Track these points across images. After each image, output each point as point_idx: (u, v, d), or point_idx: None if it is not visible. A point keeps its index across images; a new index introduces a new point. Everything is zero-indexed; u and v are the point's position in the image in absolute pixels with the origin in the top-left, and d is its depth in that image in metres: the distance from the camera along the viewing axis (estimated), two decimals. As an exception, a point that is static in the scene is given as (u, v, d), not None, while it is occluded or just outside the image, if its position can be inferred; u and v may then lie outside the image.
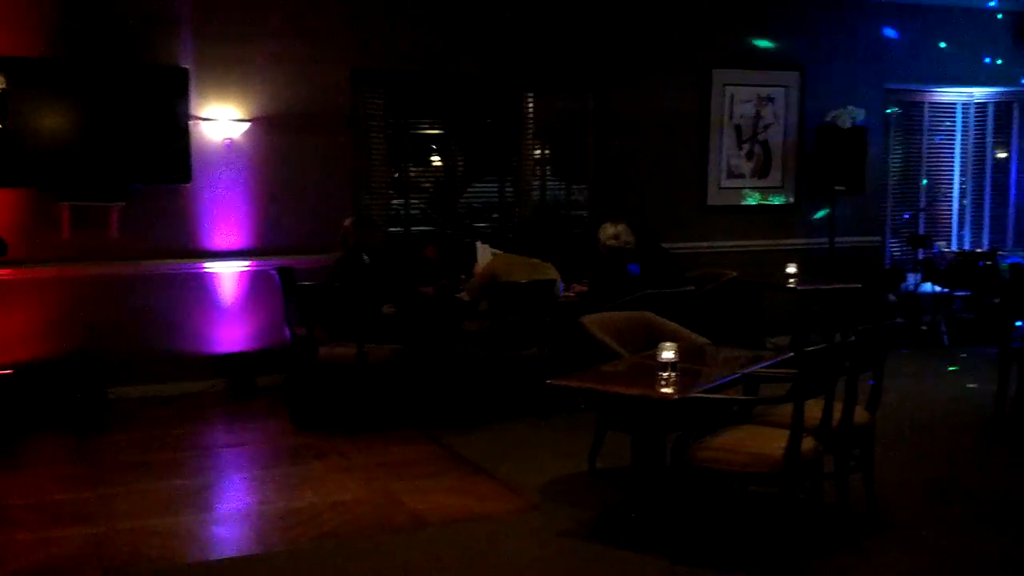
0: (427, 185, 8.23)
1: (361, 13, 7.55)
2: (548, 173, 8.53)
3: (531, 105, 8.26)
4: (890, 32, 9.25)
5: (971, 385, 7.39)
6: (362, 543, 4.49)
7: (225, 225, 7.31)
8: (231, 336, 7.38)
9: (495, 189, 8.39)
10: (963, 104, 9.94)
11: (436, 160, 8.22)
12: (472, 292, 6.69)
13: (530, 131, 8.30)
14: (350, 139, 7.62)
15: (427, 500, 5.02)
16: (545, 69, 8.17)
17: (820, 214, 9.04)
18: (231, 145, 7.27)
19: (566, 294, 6.93)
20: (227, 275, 7.34)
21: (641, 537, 4.46)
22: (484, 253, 7.18)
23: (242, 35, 7.25)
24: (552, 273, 6.79)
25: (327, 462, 5.68)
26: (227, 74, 7.22)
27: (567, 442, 5.84)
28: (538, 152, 8.40)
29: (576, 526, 4.66)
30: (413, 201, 8.12)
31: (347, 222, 7.00)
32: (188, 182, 7.08)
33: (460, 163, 8.18)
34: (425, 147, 8.22)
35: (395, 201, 8.00)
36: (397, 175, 7.97)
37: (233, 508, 5.09)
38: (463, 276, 7.11)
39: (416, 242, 7.77)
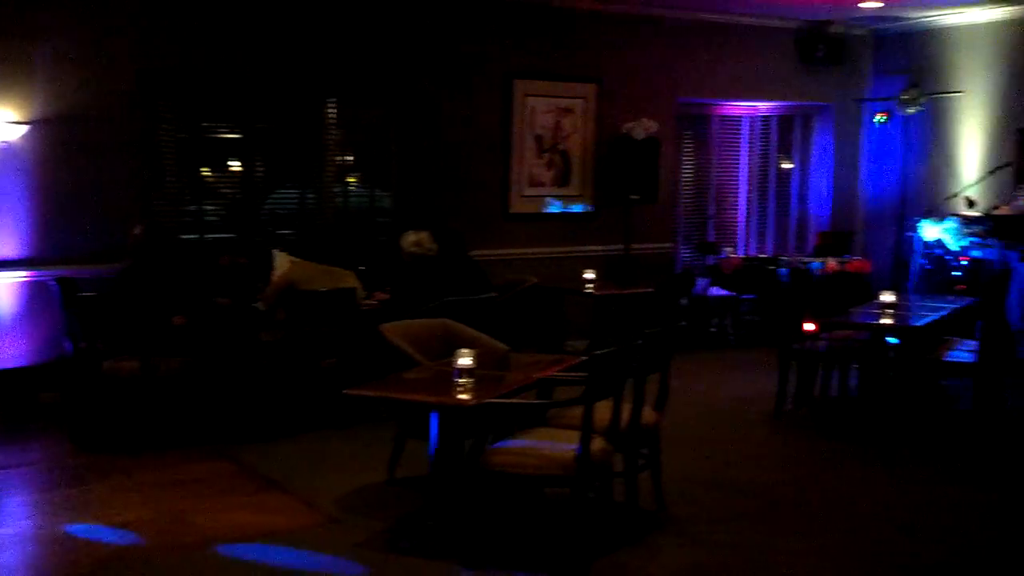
0: (226, 191, 7.97)
1: (149, 12, 7.24)
2: (352, 180, 8.44)
3: (333, 112, 8.14)
4: (681, 48, 9.65)
5: (755, 384, 7.77)
6: (146, 565, 4.29)
7: (-1, 233, 6.86)
8: (7, 351, 6.90)
9: (297, 196, 8.21)
10: (749, 117, 10.51)
11: (235, 165, 7.98)
12: (268, 301, 6.52)
13: (332, 138, 8.18)
14: (139, 142, 7.28)
15: (217, 518, 4.85)
16: (347, 76, 8.07)
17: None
18: (7, 149, 6.81)
19: (368, 302, 6.86)
20: (1, 286, 6.87)
21: (437, 544, 4.47)
22: (282, 261, 7.02)
23: (19, 31, 6.80)
24: (352, 281, 6.72)
25: (110, 482, 5.40)
26: (3, 74, 6.77)
27: (367, 452, 5.78)
28: (340, 159, 8.29)
29: (372, 537, 4.62)
30: (210, 207, 7.84)
31: (136, 229, 6.69)
32: (-43, 187, 6.61)
33: (260, 169, 7.97)
34: (223, 152, 7.95)
35: (190, 207, 7.71)
36: (190, 181, 7.68)
37: (6, 534, 4.74)
38: (261, 285, 6.91)
39: (212, 249, 7.51)
